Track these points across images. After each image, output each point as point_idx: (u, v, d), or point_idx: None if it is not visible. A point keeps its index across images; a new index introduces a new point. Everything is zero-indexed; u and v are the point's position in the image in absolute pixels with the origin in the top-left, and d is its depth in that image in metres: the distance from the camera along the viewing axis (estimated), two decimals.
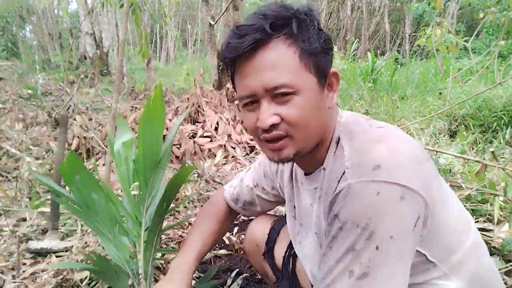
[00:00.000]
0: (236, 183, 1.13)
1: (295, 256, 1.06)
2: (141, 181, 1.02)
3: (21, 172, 2.42)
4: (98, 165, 2.87)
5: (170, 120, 3.52)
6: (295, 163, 0.90)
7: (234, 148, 3.36)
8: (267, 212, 1.19)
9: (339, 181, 0.67)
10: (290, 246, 1.07)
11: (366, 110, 4.46)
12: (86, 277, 1.34)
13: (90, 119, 3.47)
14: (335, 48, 8.18)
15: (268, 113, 0.69)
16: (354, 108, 4.11)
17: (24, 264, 1.49)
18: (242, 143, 3.46)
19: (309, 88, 0.69)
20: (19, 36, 11.36)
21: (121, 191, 0.91)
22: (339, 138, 0.74)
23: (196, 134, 3.46)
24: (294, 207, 0.93)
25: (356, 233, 0.62)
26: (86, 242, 1.54)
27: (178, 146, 3.11)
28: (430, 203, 0.64)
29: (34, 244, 1.59)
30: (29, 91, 4.85)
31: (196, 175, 2.70)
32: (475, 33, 5.66)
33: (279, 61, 0.68)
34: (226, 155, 3.25)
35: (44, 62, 8.74)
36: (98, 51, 7.58)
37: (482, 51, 8.30)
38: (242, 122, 0.84)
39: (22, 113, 3.86)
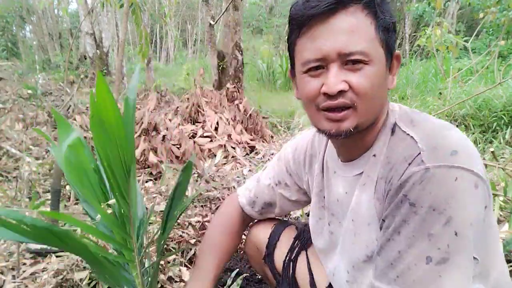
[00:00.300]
0: (252, 185, 1.09)
1: (295, 260, 1.05)
2: (115, 194, 0.77)
3: (21, 172, 2.42)
4: None
5: (170, 120, 3.52)
6: (331, 151, 0.88)
7: (234, 148, 3.36)
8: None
9: (410, 163, 0.65)
10: (291, 250, 1.07)
11: None
12: (86, 277, 1.34)
13: None
14: None
15: (338, 78, 0.66)
16: None
17: (24, 264, 1.49)
18: (242, 143, 3.46)
19: (380, 62, 0.68)
20: (19, 36, 11.36)
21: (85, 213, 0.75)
22: (394, 125, 0.73)
23: (196, 134, 3.46)
24: (324, 197, 0.91)
25: (433, 218, 0.60)
26: None
27: (178, 146, 3.11)
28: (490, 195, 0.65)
29: (34, 244, 1.59)
30: (29, 91, 4.85)
31: (196, 175, 2.70)
32: (475, 33, 5.66)
33: (357, 28, 0.66)
34: (226, 155, 3.25)
35: (44, 62, 8.74)
36: (98, 51, 7.58)
37: (482, 51, 8.30)
38: (297, 90, 0.73)
39: (22, 113, 3.86)
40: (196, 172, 2.73)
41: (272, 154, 3.17)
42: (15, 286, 1.34)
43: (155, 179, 2.69)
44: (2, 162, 2.69)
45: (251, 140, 3.59)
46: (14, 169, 2.61)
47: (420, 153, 0.65)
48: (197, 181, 2.59)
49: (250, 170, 2.88)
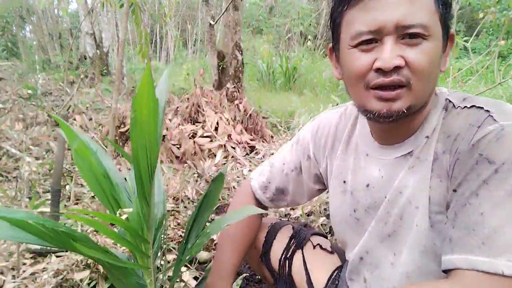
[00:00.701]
0: (265, 169, 1.04)
1: (291, 259, 1.05)
2: (140, 197, 0.72)
3: (21, 172, 2.42)
4: None
5: (170, 120, 3.52)
6: (362, 132, 0.83)
7: (234, 148, 3.36)
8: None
9: (479, 126, 0.61)
10: (287, 249, 1.06)
11: None
12: (86, 277, 1.34)
13: (90, 119, 3.47)
14: None
15: (394, 53, 0.61)
16: None
17: (24, 264, 1.49)
18: (242, 143, 3.46)
19: (438, 39, 0.63)
20: (19, 36, 11.35)
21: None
22: (447, 104, 0.70)
23: (196, 134, 3.46)
24: (344, 182, 0.86)
25: None
26: None
27: (178, 146, 3.11)
28: None
29: (34, 244, 1.59)
30: (29, 91, 4.85)
31: (196, 175, 2.70)
32: (475, 33, 5.64)
33: None
34: (226, 155, 3.25)
35: (44, 62, 8.73)
36: (98, 51, 7.57)
37: (482, 51, 8.30)
38: (337, 69, 0.66)
39: (22, 113, 3.86)
40: (196, 172, 2.73)
41: (272, 154, 3.17)
42: (15, 286, 1.34)
43: None
44: (2, 162, 2.69)
45: (251, 140, 3.59)
46: (14, 169, 2.60)
47: (489, 115, 0.61)
48: (197, 181, 2.59)
49: (250, 170, 2.88)
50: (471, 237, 0.57)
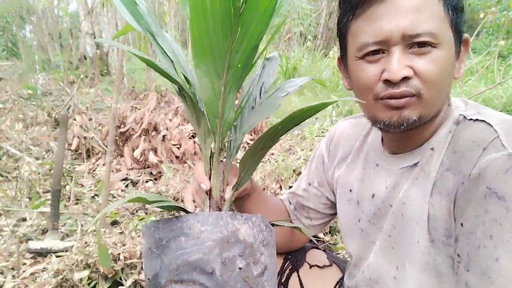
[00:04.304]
0: (291, 189, 1.03)
1: (286, 284, 0.99)
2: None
3: (21, 172, 2.42)
4: (98, 165, 2.87)
5: (170, 120, 3.52)
6: (374, 142, 0.81)
7: None
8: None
9: (485, 148, 0.57)
10: (281, 273, 1.00)
11: None
12: (86, 277, 1.34)
13: (90, 119, 3.47)
14: (335, 48, 8.17)
15: (402, 63, 0.59)
16: (354, 108, 4.11)
17: (24, 264, 1.49)
18: (242, 143, 3.45)
19: (449, 46, 0.60)
20: (19, 36, 11.35)
21: None
22: (459, 117, 0.66)
23: (196, 134, 3.46)
24: (350, 190, 0.84)
25: None
26: (86, 242, 1.54)
27: (178, 146, 3.11)
28: None
29: (34, 244, 1.59)
30: (29, 91, 4.85)
31: None
32: (475, 33, 5.65)
33: (424, 5, 0.58)
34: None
35: (44, 62, 8.73)
36: (98, 51, 7.57)
37: (482, 51, 8.30)
38: (347, 79, 0.72)
39: (22, 113, 3.86)
40: None
41: (272, 154, 3.17)
42: (15, 286, 1.34)
43: (155, 179, 2.70)
44: (2, 162, 2.69)
45: (251, 140, 3.59)
46: (14, 169, 2.60)
47: (497, 137, 0.57)
48: None
49: None
50: (488, 286, 0.54)
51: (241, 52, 0.55)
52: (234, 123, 0.72)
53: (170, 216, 0.60)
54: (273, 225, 0.68)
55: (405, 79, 0.60)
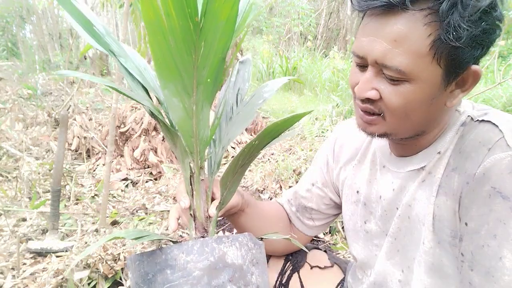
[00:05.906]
0: (290, 191, 1.01)
1: (287, 285, 0.99)
2: None
3: (21, 172, 2.42)
4: (98, 165, 2.87)
5: None
6: (381, 144, 0.80)
7: (234, 148, 3.36)
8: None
9: (490, 149, 0.57)
10: (281, 274, 1.00)
11: None
12: (86, 277, 1.34)
13: (90, 119, 3.47)
14: (335, 48, 8.16)
15: (369, 85, 0.60)
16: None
17: (24, 264, 1.49)
18: (242, 143, 3.46)
19: (426, 80, 0.58)
20: (19, 36, 11.35)
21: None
22: (464, 120, 0.66)
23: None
24: (357, 192, 0.84)
25: None
26: (86, 242, 1.55)
27: None
28: None
29: (34, 244, 1.59)
30: (29, 91, 4.85)
31: None
32: None
33: (403, 39, 0.56)
34: (226, 155, 3.25)
35: (44, 62, 8.73)
36: (98, 51, 7.57)
37: None
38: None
39: (22, 113, 3.86)
40: None
41: (272, 154, 3.17)
42: (15, 286, 1.34)
43: (155, 179, 2.70)
44: (2, 162, 2.69)
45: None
46: (14, 169, 2.60)
47: (503, 137, 0.57)
48: None
49: (249, 170, 2.87)
50: (491, 285, 0.54)
51: (208, 67, 0.53)
52: (213, 137, 0.70)
53: (152, 249, 0.59)
54: (261, 239, 0.67)
55: (370, 99, 0.61)
